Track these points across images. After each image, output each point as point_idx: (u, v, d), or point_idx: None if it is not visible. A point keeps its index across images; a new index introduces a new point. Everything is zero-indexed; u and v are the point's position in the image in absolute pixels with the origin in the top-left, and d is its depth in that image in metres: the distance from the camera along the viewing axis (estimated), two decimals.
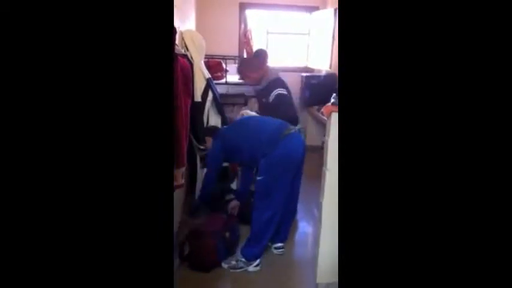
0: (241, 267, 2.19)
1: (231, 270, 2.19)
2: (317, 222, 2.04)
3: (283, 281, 2.16)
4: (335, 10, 4.18)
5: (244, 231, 2.45)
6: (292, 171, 2.20)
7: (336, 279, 1.87)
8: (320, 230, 1.93)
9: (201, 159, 2.98)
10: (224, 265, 2.22)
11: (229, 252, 2.29)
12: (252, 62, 2.92)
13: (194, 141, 2.77)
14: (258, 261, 2.22)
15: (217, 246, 2.18)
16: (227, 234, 2.32)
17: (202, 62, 2.85)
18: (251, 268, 2.20)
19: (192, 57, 2.60)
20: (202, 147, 2.92)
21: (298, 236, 2.73)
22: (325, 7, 4.66)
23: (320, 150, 4.20)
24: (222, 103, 3.08)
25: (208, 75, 2.84)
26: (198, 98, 2.66)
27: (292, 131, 2.20)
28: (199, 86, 2.68)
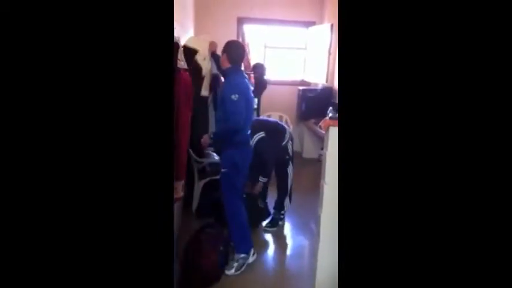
0: (243, 264, 2.32)
1: (237, 272, 2.28)
2: (315, 235, 2.05)
3: None
4: (331, 25, 4.26)
5: None
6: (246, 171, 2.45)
7: None
8: (318, 243, 1.94)
9: (199, 172, 2.99)
10: (229, 271, 2.28)
11: (226, 264, 2.31)
12: None
13: (192, 154, 2.79)
14: (252, 250, 2.38)
15: (219, 262, 2.21)
16: (223, 248, 2.33)
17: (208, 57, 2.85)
18: (251, 259, 2.36)
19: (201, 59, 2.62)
20: (200, 160, 2.94)
21: (295, 249, 2.73)
22: (321, 22, 4.75)
23: (316, 163, 4.22)
24: None
25: (215, 71, 2.86)
26: (205, 91, 2.67)
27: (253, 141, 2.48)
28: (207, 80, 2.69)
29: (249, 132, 2.40)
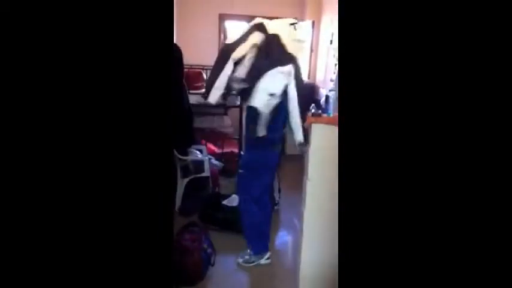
0: (253, 262, 2.36)
1: (245, 264, 2.35)
2: (298, 231, 2.07)
3: None
4: (313, 22, 4.29)
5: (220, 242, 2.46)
6: (268, 174, 2.38)
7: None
8: (302, 239, 1.96)
9: (182, 169, 2.97)
10: (239, 259, 2.38)
11: (209, 263, 2.29)
12: None
13: (175, 151, 2.77)
14: (268, 254, 2.40)
15: (202, 261, 2.21)
16: (206, 247, 2.33)
17: None
18: (263, 261, 2.38)
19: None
20: (183, 158, 2.92)
21: (278, 245, 2.75)
22: (303, 19, 4.76)
23: (298, 159, 4.24)
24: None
25: None
26: None
27: (279, 148, 2.38)
28: None
29: (275, 134, 2.24)
